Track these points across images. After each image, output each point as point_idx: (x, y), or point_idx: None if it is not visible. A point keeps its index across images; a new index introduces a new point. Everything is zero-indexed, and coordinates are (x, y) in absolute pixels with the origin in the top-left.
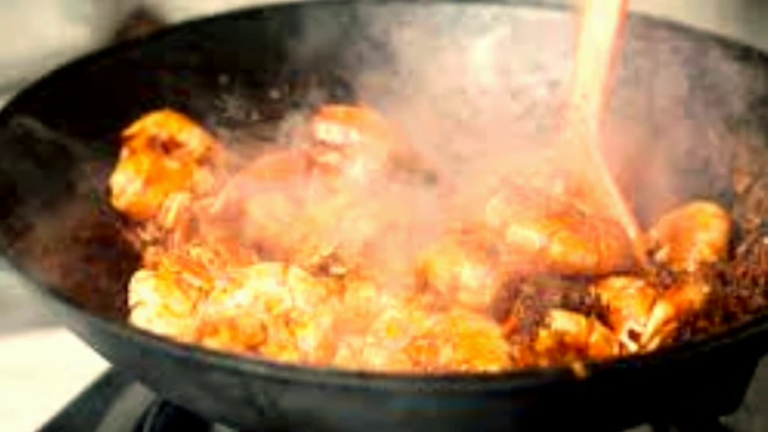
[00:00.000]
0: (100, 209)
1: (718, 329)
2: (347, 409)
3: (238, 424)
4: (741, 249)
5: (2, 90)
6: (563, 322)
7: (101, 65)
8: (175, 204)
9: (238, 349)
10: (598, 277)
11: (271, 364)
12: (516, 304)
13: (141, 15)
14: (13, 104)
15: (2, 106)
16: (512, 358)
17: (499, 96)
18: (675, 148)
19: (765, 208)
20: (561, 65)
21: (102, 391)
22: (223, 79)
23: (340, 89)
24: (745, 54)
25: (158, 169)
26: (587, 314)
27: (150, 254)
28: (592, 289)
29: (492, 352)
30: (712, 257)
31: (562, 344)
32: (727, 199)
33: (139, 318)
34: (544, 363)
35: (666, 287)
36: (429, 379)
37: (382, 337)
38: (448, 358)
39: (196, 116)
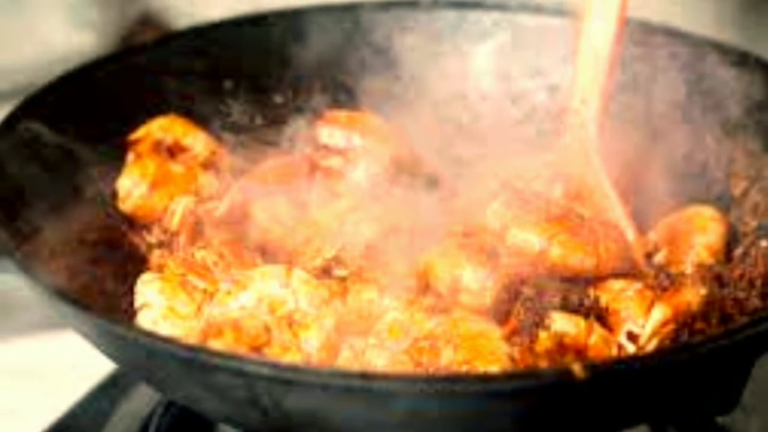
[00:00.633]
0: (106, 212)
1: (716, 331)
2: (350, 410)
3: (242, 425)
4: (738, 252)
5: (10, 95)
6: (563, 323)
7: (107, 71)
8: (180, 207)
9: (242, 350)
10: (597, 279)
11: (275, 365)
12: (516, 306)
13: (146, 21)
14: (20, 109)
15: (10, 111)
16: (512, 360)
17: (499, 101)
18: (673, 152)
19: (761, 211)
20: (560, 70)
21: (108, 392)
22: (228, 84)
23: (343, 94)
24: (742, 59)
25: (163, 172)
26: (586, 316)
27: (155, 257)
28: (591, 292)
29: (492, 354)
30: (709, 260)
31: (561, 345)
32: (724, 203)
33: (144, 320)
34: (543, 364)
35: (664, 289)
36: (430, 379)
37: (384, 339)
38: (449, 359)
39: (200, 121)
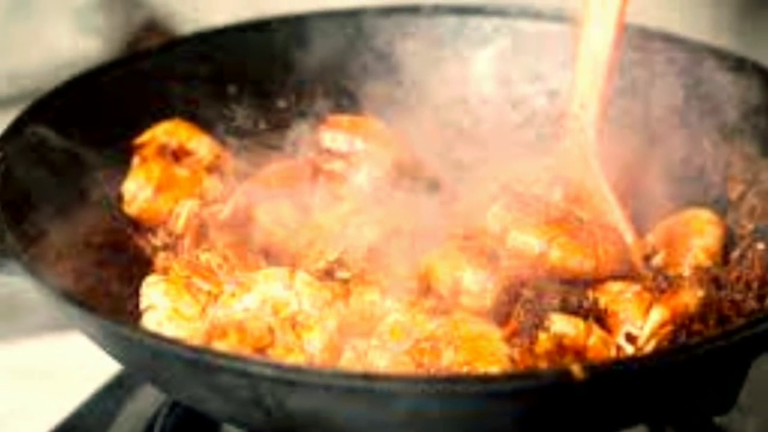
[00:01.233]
0: (111, 215)
1: (713, 332)
2: (352, 410)
3: (246, 425)
4: (735, 254)
5: (17, 99)
6: (562, 325)
7: (113, 76)
8: (185, 210)
9: (246, 351)
10: (596, 281)
11: (278, 366)
12: (516, 307)
13: (152, 27)
14: (27, 113)
15: (17, 116)
16: (512, 360)
17: (499, 105)
18: (670, 156)
19: (758, 214)
20: (560, 75)
21: (114, 393)
22: (232, 89)
23: (346, 99)
24: (738, 65)
25: (168, 176)
26: (585, 317)
27: (160, 259)
28: (590, 293)
29: (493, 355)
30: (706, 262)
31: (560, 347)
32: (721, 206)
33: (149, 321)
34: (543, 365)
35: (662, 291)
36: (432, 380)
37: (386, 340)
38: (450, 360)
39: (205, 125)
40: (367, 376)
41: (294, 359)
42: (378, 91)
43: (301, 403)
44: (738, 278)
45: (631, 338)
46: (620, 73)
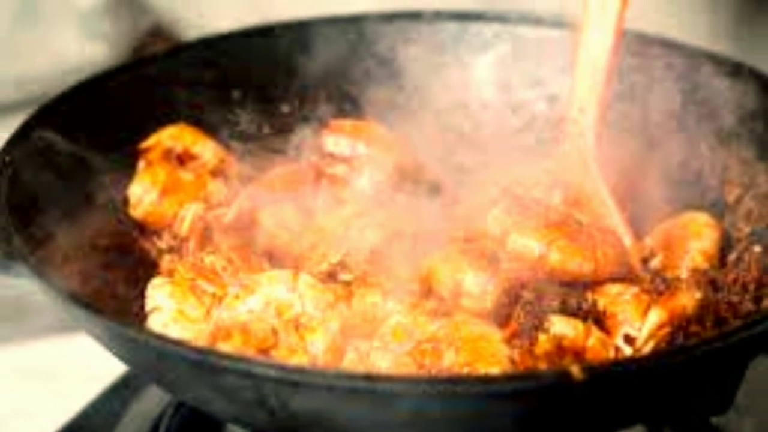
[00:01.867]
0: (117, 218)
1: (710, 333)
2: (355, 410)
3: (250, 425)
4: (732, 257)
5: (24, 104)
6: (561, 326)
7: (119, 81)
8: (189, 214)
9: (250, 352)
10: (594, 283)
11: (282, 367)
12: (516, 309)
13: (157, 33)
14: (34, 118)
15: (24, 120)
16: (512, 361)
17: (500, 110)
18: (668, 160)
19: (755, 217)
20: (559, 81)
21: (119, 393)
22: (236, 94)
23: (348, 104)
24: (735, 70)
25: (173, 180)
26: (584, 319)
27: (166, 262)
28: (589, 295)
29: (493, 356)
30: (704, 265)
31: (560, 348)
32: (718, 209)
33: (155, 323)
34: (543, 366)
35: (660, 293)
36: (433, 381)
37: (388, 341)
38: (451, 361)
39: (209, 130)
40: (369, 377)
41: (297, 360)
42: (380, 96)
43: (305, 403)
44: (735, 280)
45: (629, 339)
46: (619, 78)
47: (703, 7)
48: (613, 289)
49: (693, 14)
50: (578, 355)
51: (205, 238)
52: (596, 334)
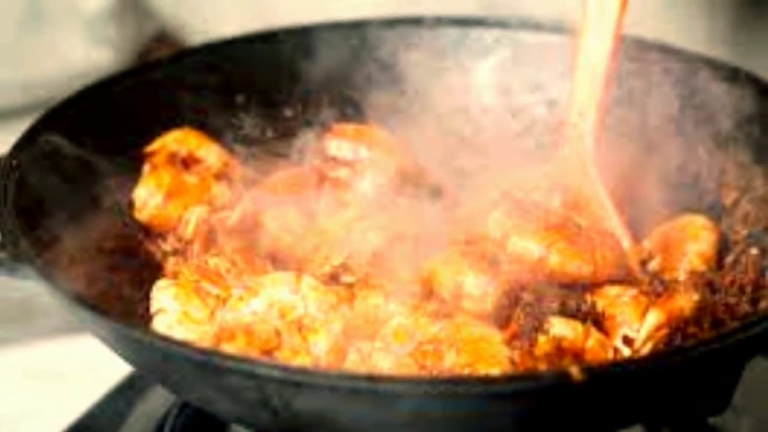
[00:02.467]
0: (123, 222)
1: (707, 335)
2: (357, 411)
3: (254, 425)
4: (729, 259)
5: (31, 109)
6: (561, 328)
7: (124, 86)
8: (194, 217)
9: (253, 353)
10: (593, 285)
11: (285, 368)
12: (516, 311)
13: (162, 38)
14: (41, 122)
15: (31, 125)
16: (513, 363)
17: (500, 114)
18: (666, 164)
19: (751, 220)
20: (559, 85)
21: (125, 394)
22: (240, 98)
23: (350, 108)
24: (732, 75)
25: (178, 183)
26: (583, 321)
27: (170, 264)
28: (588, 297)
29: (494, 357)
30: (701, 267)
31: (559, 349)
32: (715, 212)
33: (160, 324)
34: (542, 367)
35: (658, 295)
36: (434, 382)
37: (389, 343)
38: (452, 362)
39: (214, 134)
40: (371, 378)
41: (300, 361)
42: (382, 101)
43: (308, 403)
44: (732, 282)
45: (628, 341)
46: (617, 83)
47: (700, 13)
48: (612, 291)
49: (690, 20)
50: (577, 356)
51: (209, 240)
52: (595, 335)
